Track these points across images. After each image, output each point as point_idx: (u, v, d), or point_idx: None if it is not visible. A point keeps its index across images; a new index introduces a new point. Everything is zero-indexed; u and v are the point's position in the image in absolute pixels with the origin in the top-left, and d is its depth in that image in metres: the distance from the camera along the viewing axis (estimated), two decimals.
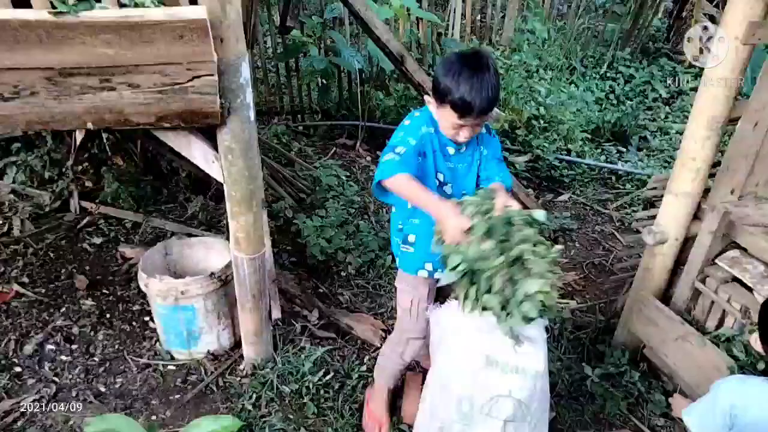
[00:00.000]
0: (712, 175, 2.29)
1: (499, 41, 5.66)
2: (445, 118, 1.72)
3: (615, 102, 5.60)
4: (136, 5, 1.52)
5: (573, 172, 4.28)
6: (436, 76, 1.71)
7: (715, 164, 2.28)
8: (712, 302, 2.25)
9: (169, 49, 1.58)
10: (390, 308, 2.89)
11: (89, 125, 1.74)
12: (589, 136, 4.78)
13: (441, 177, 1.86)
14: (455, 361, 1.73)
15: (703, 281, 2.27)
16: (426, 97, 1.81)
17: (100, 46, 1.52)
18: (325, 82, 4.92)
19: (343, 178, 3.91)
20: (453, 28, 5.63)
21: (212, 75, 1.69)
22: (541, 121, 4.53)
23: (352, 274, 3.18)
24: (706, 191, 2.30)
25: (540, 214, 1.71)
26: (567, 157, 4.36)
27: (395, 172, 1.62)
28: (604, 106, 5.45)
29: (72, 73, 1.58)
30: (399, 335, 2.14)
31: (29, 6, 1.53)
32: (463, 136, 1.75)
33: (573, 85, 5.54)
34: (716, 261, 2.23)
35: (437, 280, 1.99)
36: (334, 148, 4.55)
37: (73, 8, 1.44)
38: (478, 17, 5.81)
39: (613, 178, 4.36)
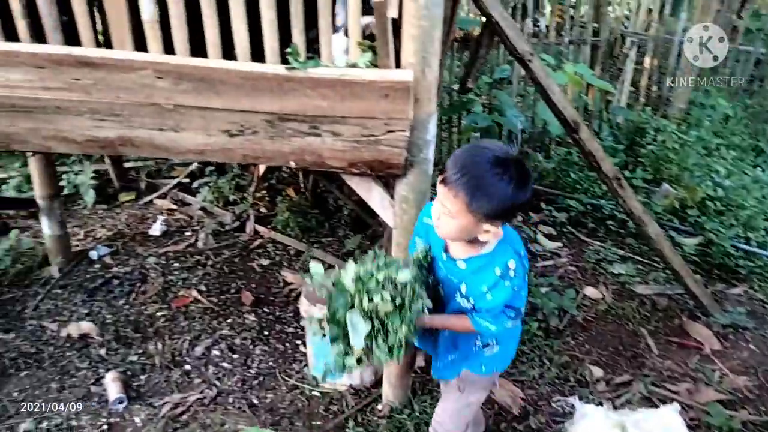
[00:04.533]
0: None
1: (673, 114, 5.36)
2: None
3: None
4: (353, 66, 1.72)
5: (752, 264, 3.84)
6: (522, 198, 1.48)
7: None
8: None
9: (373, 105, 1.74)
10: (531, 377, 2.80)
11: (291, 163, 1.97)
12: None
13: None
14: None
15: None
16: (487, 226, 1.51)
17: (317, 98, 1.73)
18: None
19: None
20: (621, 94, 5.46)
21: (405, 131, 1.83)
22: (718, 204, 4.16)
23: None
24: None
25: (404, 274, 1.58)
26: (746, 246, 3.94)
27: None
28: None
29: (288, 119, 1.82)
30: (459, 428, 1.99)
31: (263, 61, 1.81)
32: None
33: (759, 168, 5.03)
34: None
35: None
36: None
37: (303, 65, 1.66)
38: (655, 87, 5.58)
39: None
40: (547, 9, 4.99)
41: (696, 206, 4.12)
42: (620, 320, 3.27)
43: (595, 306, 3.38)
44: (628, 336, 3.16)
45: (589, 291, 3.48)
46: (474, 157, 1.45)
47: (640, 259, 3.86)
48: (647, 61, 5.28)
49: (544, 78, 2.73)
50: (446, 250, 1.69)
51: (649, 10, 5.26)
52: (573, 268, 3.72)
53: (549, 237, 4.05)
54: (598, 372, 2.86)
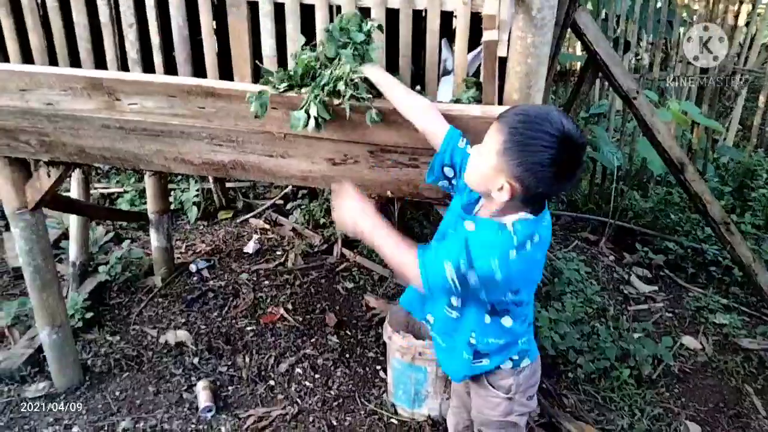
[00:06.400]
0: None
1: None
2: None
3: None
4: (457, 101, 1.75)
5: None
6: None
7: None
8: None
9: (474, 139, 1.76)
10: (620, 427, 2.65)
11: (388, 193, 2.02)
12: None
13: None
14: None
15: None
16: (503, 183, 1.40)
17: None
18: None
19: (584, 273, 3.77)
20: (728, 132, 5.14)
21: None
22: None
23: (581, 378, 3.00)
24: None
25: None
26: None
27: None
28: None
29: (389, 150, 1.87)
30: None
31: None
32: None
33: None
34: None
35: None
36: (576, 241, 4.43)
37: None
38: None
39: None
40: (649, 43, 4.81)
41: None
42: (722, 375, 3.04)
43: (694, 357, 3.16)
44: (730, 393, 2.93)
45: (687, 340, 3.27)
46: (542, 114, 1.34)
47: (747, 310, 3.58)
48: (761, 99, 4.96)
49: (648, 116, 2.65)
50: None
51: (766, 47, 4.96)
52: (670, 315, 3.51)
53: (644, 280, 3.86)
54: (695, 429, 2.66)
